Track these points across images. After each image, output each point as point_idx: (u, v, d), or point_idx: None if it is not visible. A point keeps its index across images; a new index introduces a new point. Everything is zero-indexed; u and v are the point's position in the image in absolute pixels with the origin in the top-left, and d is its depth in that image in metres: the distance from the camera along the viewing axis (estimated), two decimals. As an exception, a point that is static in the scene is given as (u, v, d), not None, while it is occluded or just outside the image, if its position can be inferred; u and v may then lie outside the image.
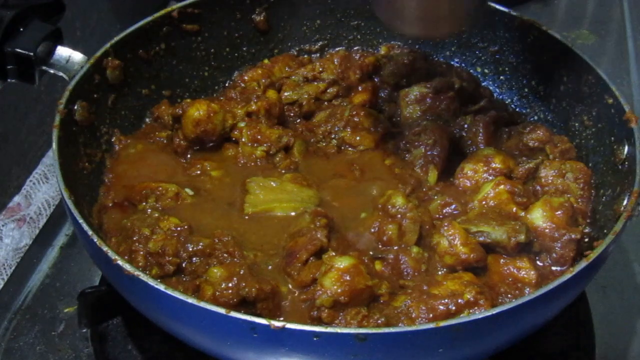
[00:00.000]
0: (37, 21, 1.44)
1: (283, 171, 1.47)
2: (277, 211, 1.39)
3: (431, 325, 1.08)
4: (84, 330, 1.45)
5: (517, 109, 1.68)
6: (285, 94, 1.64)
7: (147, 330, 1.41)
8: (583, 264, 1.17)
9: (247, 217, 1.38)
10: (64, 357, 1.45)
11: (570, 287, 1.17)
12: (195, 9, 1.64)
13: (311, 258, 1.28)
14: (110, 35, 1.54)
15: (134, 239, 1.32)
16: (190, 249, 1.30)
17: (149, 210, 1.38)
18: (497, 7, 1.64)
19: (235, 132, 1.52)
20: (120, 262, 1.15)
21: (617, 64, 2.18)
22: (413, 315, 1.20)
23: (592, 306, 1.50)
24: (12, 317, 1.52)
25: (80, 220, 1.21)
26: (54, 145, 1.33)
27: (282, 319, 1.18)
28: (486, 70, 1.74)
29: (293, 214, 1.38)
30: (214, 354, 1.22)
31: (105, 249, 1.17)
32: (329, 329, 1.06)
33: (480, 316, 1.09)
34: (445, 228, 1.32)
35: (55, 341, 1.47)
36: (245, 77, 1.67)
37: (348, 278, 1.21)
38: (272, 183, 1.43)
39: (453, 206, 1.40)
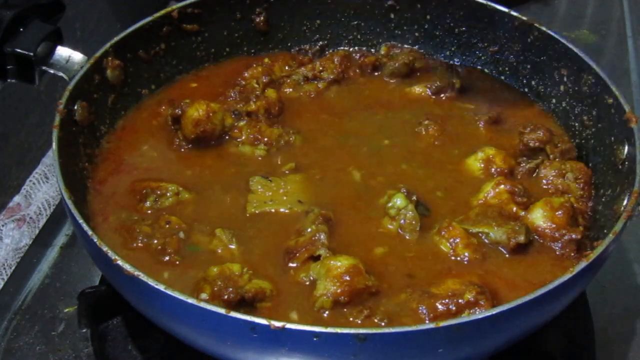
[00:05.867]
0: (37, 21, 1.44)
1: (287, 172, 1.47)
2: (280, 210, 1.39)
3: (431, 325, 1.07)
4: (84, 330, 1.45)
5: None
6: (286, 91, 1.64)
7: (147, 330, 1.41)
8: (583, 264, 1.16)
9: (248, 216, 1.38)
10: (64, 357, 1.44)
11: (570, 287, 1.17)
12: (195, 9, 1.64)
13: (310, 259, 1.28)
14: (110, 35, 1.54)
15: (135, 238, 1.32)
16: (190, 248, 1.30)
17: (149, 210, 1.39)
18: (497, 7, 1.64)
19: (235, 131, 1.52)
20: (120, 262, 1.15)
21: (617, 64, 2.18)
22: (414, 312, 1.20)
23: (592, 306, 1.49)
24: (12, 317, 1.52)
25: (80, 221, 1.21)
26: (54, 145, 1.33)
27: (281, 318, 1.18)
28: (486, 70, 1.73)
29: (297, 210, 1.38)
30: (214, 354, 1.22)
31: (105, 248, 1.17)
32: (329, 329, 1.06)
33: (480, 316, 1.09)
34: (446, 230, 1.32)
35: (55, 341, 1.47)
36: (246, 74, 1.67)
37: (348, 278, 1.21)
38: (274, 183, 1.43)
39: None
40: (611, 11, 2.40)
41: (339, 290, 1.20)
